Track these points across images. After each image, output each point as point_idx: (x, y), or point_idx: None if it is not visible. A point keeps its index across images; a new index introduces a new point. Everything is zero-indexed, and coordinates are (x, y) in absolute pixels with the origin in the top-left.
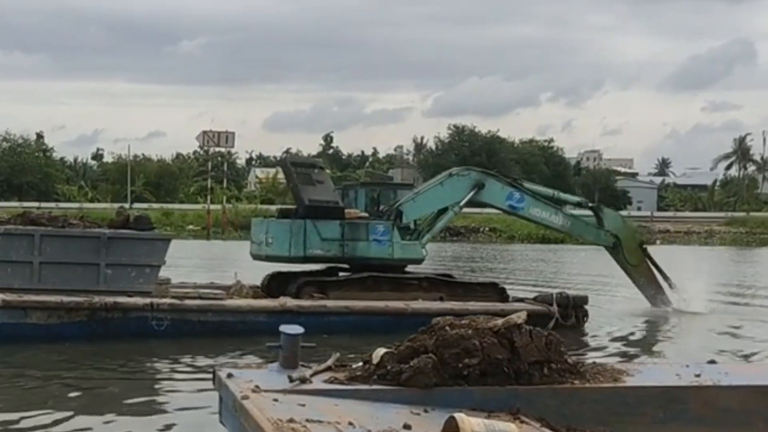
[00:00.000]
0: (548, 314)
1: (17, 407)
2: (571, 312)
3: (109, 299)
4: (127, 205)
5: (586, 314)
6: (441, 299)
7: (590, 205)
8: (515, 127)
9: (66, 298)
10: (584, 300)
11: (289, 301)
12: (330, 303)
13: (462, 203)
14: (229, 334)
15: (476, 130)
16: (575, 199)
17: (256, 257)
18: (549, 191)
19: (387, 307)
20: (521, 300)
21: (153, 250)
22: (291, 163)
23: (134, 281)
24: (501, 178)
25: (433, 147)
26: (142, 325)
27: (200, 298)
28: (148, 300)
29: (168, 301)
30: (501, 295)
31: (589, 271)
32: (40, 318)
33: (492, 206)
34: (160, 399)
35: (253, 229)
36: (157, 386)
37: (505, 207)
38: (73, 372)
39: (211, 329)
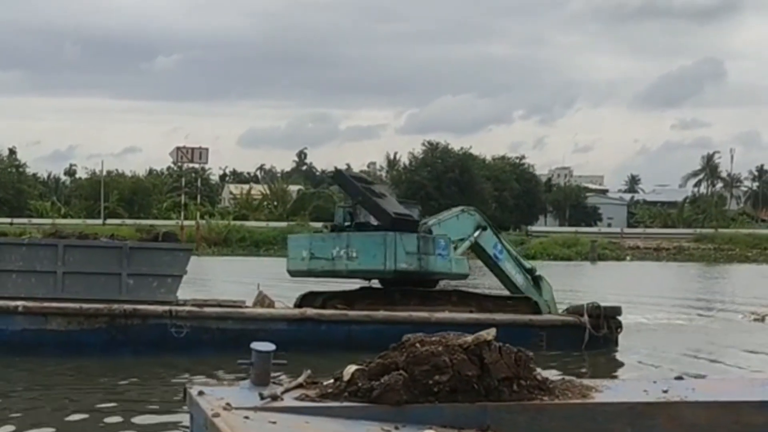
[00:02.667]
0: (579, 325)
1: (21, 418)
2: (602, 323)
3: (128, 306)
4: (100, 221)
5: (619, 325)
6: (471, 312)
7: (536, 274)
8: (488, 144)
9: (86, 305)
10: (617, 311)
11: (309, 310)
12: (351, 312)
13: (474, 236)
14: (249, 342)
15: (449, 147)
16: (528, 264)
17: (318, 274)
18: (513, 252)
19: (410, 316)
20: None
21: (174, 260)
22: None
23: (156, 291)
24: (492, 227)
25: (407, 163)
26: (161, 332)
27: (219, 305)
28: (167, 307)
29: (187, 308)
30: (533, 309)
31: (569, 286)
32: (60, 324)
33: (481, 250)
34: (147, 413)
35: (313, 245)
36: (149, 400)
37: (490, 254)
38: (73, 382)
39: (230, 337)
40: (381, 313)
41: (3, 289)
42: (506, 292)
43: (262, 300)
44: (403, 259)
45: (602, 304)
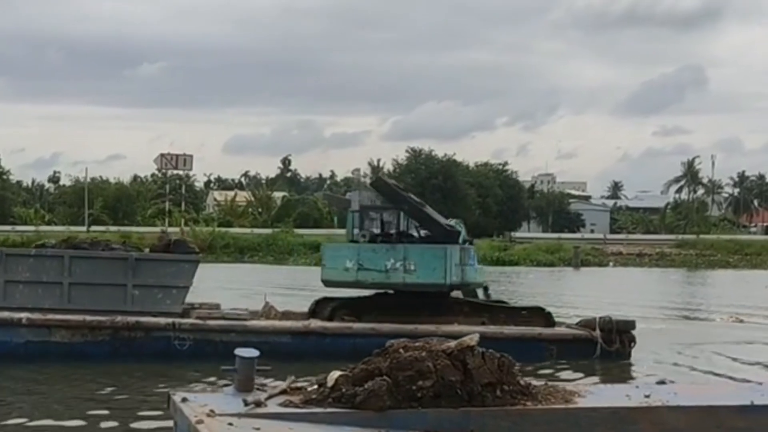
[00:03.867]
0: (590, 339)
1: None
2: (615, 337)
3: (132, 318)
4: (84, 228)
5: (633, 340)
6: (483, 324)
7: (485, 287)
8: (471, 151)
9: (89, 317)
10: (630, 325)
11: (314, 323)
12: (356, 325)
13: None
14: None
15: (433, 153)
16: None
17: (367, 285)
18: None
19: (416, 329)
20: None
21: (179, 271)
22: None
23: (161, 302)
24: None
25: (391, 169)
26: (164, 344)
27: (223, 318)
28: (170, 320)
29: (190, 321)
30: (547, 320)
31: (554, 292)
32: (64, 336)
33: None
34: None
35: (362, 255)
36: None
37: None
38: (72, 390)
39: (233, 350)
40: (386, 326)
41: (11, 300)
42: (520, 303)
43: (268, 311)
44: (454, 272)
45: (615, 317)
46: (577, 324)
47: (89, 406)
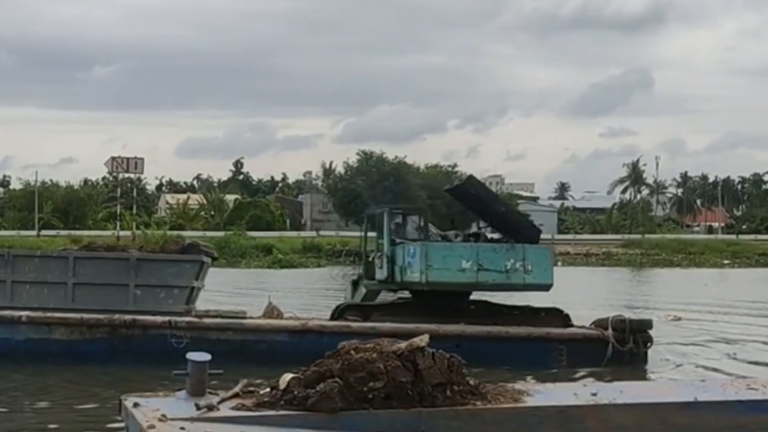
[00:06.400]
0: (603, 339)
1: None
2: (628, 337)
3: (129, 317)
4: (35, 232)
5: (649, 340)
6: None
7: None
8: (423, 153)
9: (87, 315)
10: (646, 324)
11: (311, 321)
12: (355, 324)
13: None
14: (250, 353)
15: (384, 155)
16: None
17: (487, 287)
18: None
19: (417, 329)
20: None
21: (181, 271)
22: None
23: (163, 302)
24: None
25: (342, 172)
26: (161, 342)
27: (220, 316)
28: (166, 318)
29: (187, 319)
30: (564, 321)
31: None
32: (63, 334)
33: None
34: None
35: (481, 255)
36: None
37: None
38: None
39: (231, 349)
40: (386, 325)
41: (18, 300)
42: (538, 304)
43: (271, 311)
44: None
45: (629, 316)
46: (592, 324)
47: (82, 404)
